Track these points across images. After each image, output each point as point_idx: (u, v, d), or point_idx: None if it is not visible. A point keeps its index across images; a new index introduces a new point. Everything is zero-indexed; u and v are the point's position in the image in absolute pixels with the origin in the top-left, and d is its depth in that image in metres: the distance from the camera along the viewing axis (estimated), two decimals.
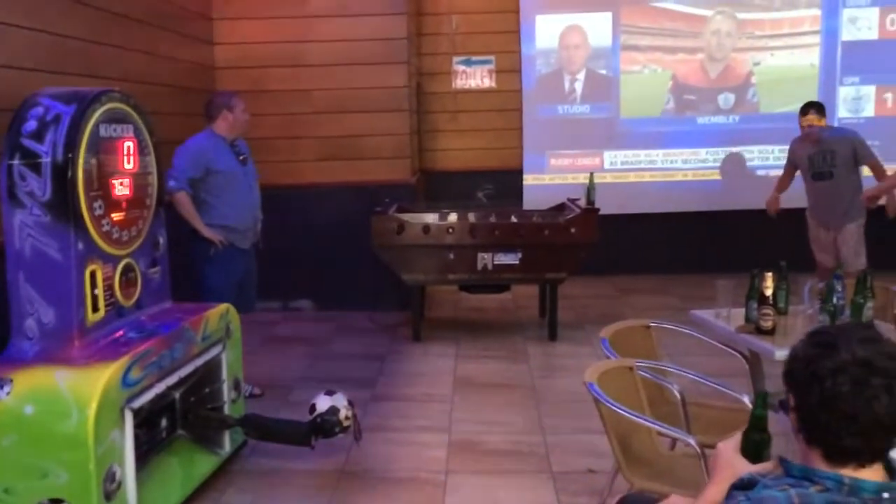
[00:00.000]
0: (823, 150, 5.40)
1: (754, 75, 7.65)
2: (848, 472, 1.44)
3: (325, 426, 3.50)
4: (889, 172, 5.51)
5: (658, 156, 7.77)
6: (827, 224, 5.49)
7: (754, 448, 1.66)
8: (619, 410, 2.60)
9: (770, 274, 3.29)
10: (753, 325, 3.31)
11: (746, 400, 2.99)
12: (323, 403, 3.55)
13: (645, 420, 2.70)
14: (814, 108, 5.42)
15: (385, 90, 6.58)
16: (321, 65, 6.56)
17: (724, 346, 3.40)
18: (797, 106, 5.51)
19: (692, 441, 2.57)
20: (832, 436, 1.44)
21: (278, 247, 5.29)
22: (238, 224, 4.56)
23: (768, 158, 7.60)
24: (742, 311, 3.43)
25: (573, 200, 6.13)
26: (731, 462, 1.63)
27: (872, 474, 1.45)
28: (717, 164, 7.75)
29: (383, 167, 6.63)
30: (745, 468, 1.60)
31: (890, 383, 1.40)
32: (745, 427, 1.70)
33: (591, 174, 6.31)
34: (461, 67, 7.91)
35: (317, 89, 6.59)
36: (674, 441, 3.09)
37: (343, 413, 3.54)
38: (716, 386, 3.12)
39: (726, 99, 7.71)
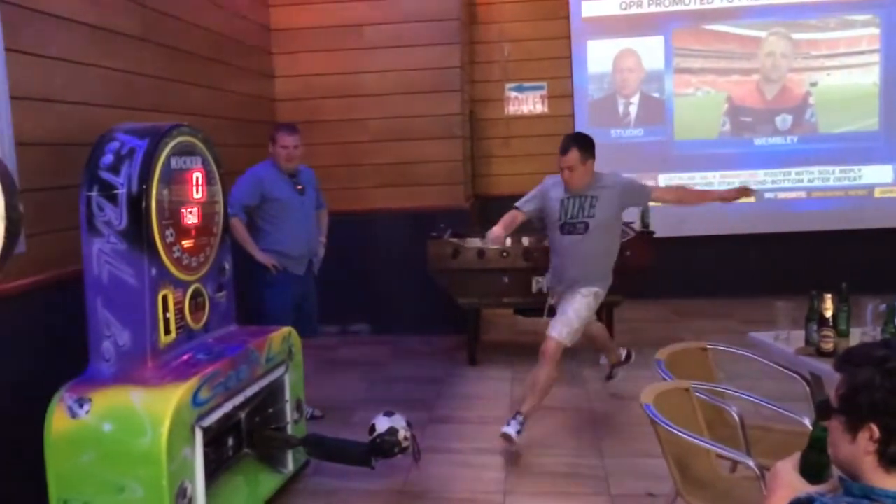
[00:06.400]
0: (582, 195, 4.34)
1: (812, 96, 7.55)
2: None
3: (385, 447, 3.56)
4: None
5: (715, 178, 7.70)
6: (559, 290, 4.51)
7: (814, 469, 1.65)
8: (676, 432, 2.59)
9: (829, 296, 3.26)
10: (814, 348, 3.28)
11: (807, 422, 2.94)
12: (382, 424, 3.62)
13: (703, 441, 2.67)
14: (576, 144, 4.23)
15: (439, 118, 6.70)
16: (376, 94, 6.71)
17: (783, 369, 3.36)
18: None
19: (751, 463, 2.55)
20: None
21: (336, 271, 5.41)
22: (292, 251, 4.66)
23: (829, 179, 7.46)
24: (802, 333, 3.40)
25: (628, 224, 6.11)
26: (789, 481, 1.62)
27: None
28: (775, 186, 7.65)
29: (438, 193, 6.73)
30: (803, 488, 1.60)
31: None
32: (804, 448, 1.70)
33: None
34: (513, 94, 8.00)
35: (372, 118, 6.74)
36: (734, 464, 3.06)
37: (402, 434, 3.59)
38: (776, 408, 3.07)
39: (784, 120, 7.63)
